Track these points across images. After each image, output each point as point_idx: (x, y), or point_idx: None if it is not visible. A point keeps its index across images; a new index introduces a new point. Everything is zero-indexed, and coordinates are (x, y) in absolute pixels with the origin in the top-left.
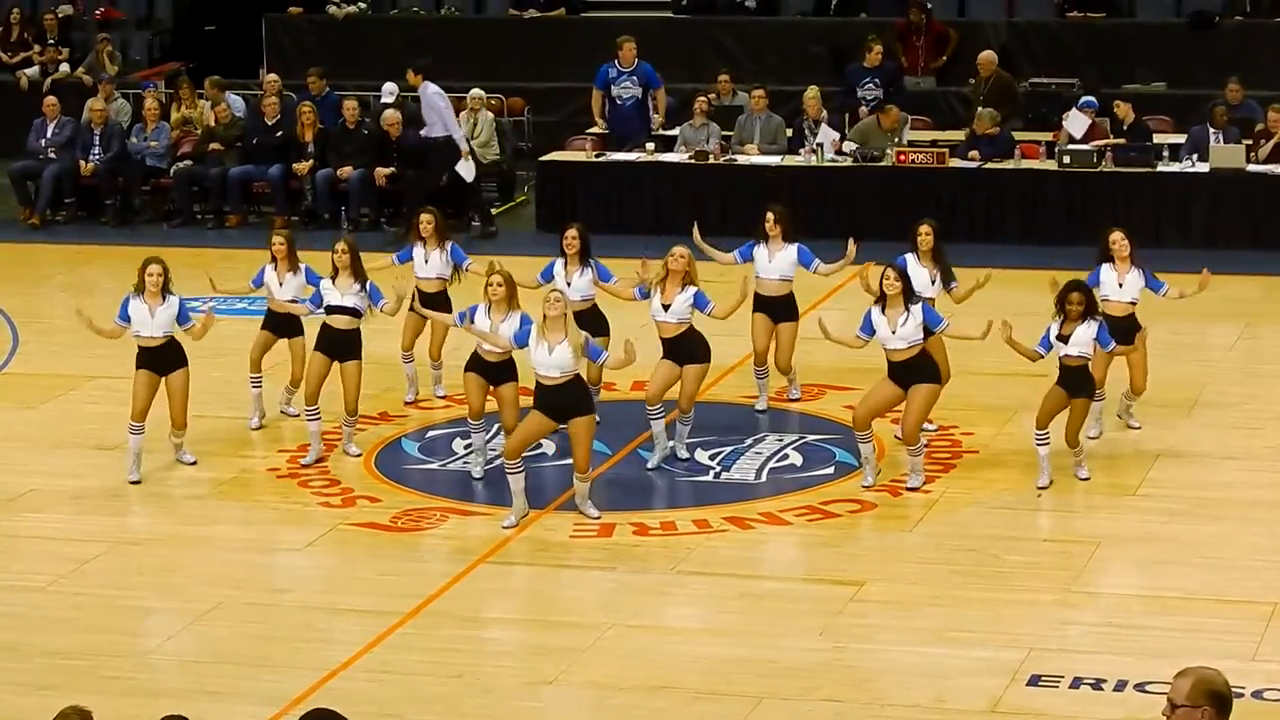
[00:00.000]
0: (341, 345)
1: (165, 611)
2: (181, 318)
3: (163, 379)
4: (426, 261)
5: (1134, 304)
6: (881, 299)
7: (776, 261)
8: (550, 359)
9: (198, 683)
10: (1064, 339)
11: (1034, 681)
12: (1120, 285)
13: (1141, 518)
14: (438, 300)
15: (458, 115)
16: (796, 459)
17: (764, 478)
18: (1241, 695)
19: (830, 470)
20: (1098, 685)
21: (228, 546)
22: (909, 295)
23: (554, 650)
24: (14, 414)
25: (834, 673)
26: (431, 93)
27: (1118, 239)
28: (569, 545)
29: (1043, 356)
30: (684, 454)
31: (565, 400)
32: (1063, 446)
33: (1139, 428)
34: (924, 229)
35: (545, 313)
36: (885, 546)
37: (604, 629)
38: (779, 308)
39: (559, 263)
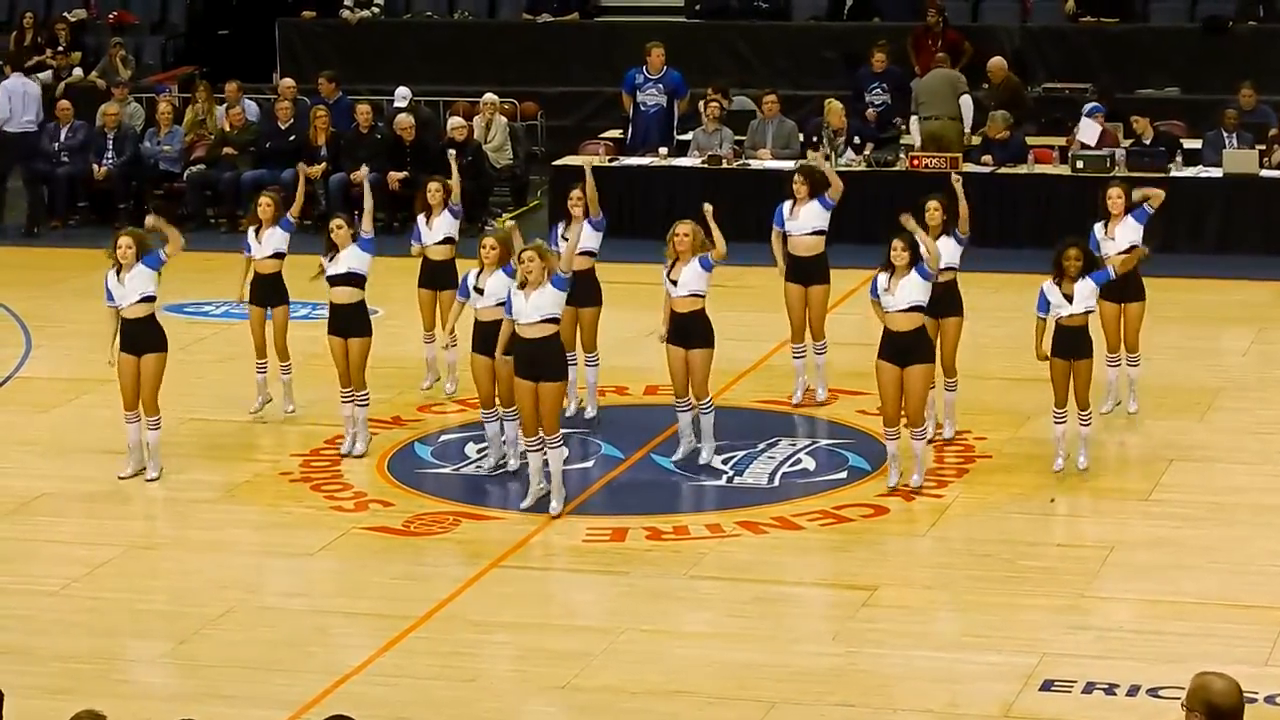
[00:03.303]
0: (347, 321)
1: (177, 615)
2: (151, 262)
3: (139, 360)
4: (431, 229)
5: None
6: (890, 269)
7: (803, 216)
8: (526, 305)
9: (210, 687)
10: (1069, 298)
11: (1047, 686)
12: (1113, 239)
13: (1155, 522)
14: (445, 270)
15: (469, 120)
16: (810, 463)
17: (777, 482)
18: (1254, 700)
19: (843, 475)
20: (1111, 690)
21: (240, 550)
22: (914, 264)
23: (566, 655)
24: (26, 418)
25: (847, 677)
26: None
27: (1113, 194)
28: (582, 549)
29: (1043, 320)
30: (705, 457)
31: (539, 355)
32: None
33: (1134, 411)
34: (932, 204)
35: (524, 277)
36: (898, 551)
37: (617, 633)
38: (812, 270)
39: (560, 227)
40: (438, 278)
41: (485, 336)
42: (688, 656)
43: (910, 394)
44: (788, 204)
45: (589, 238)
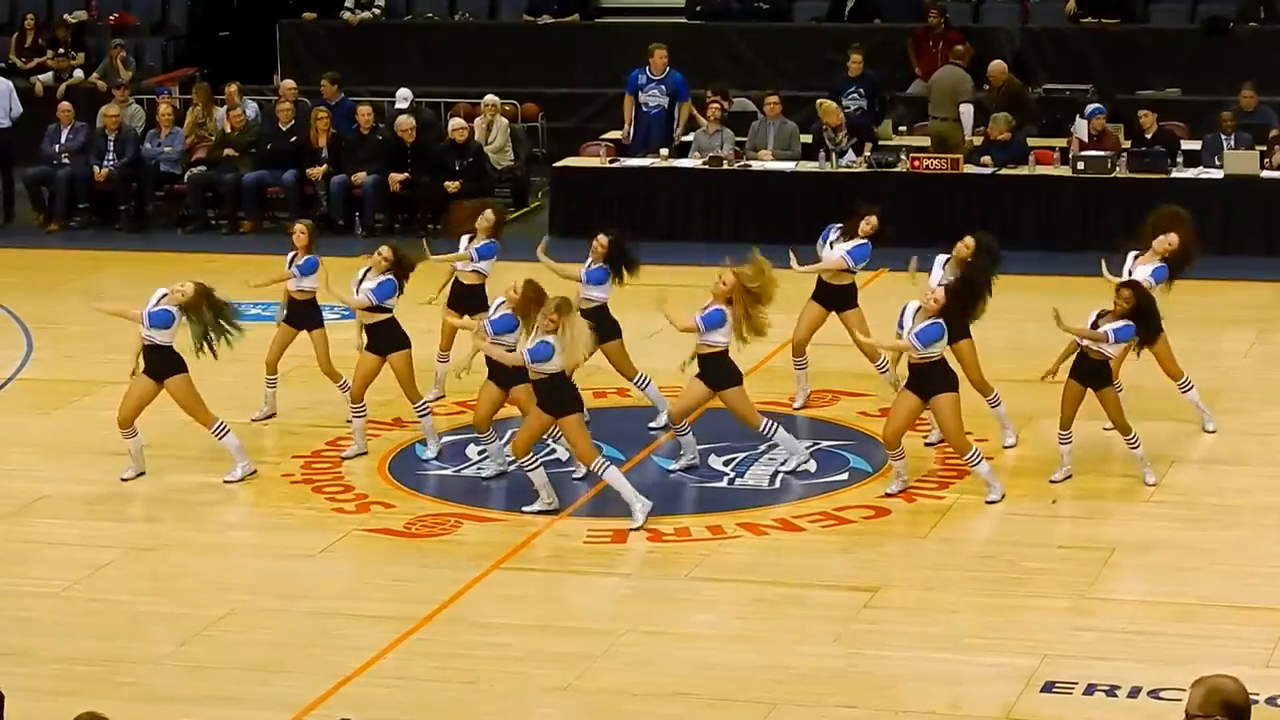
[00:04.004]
0: (378, 339)
1: (179, 617)
2: (164, 319)
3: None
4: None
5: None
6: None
7: (838, 250)
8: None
9: (211, 688)
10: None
11: (1048, 688)
12: (1131, 271)
13: (1156, 524)
14: (474, 294)
15: (470, 121)
16: (810, 465)
17: (778, 484)
18: (1256, 701)
19: (844, 476)
20: (1112, 692)
21: (241, 552)
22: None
23: (568, 656)
24: (27, 419)
25: (848, 679)
26: None
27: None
28: (583, 551)
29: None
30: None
31: (546, 396)
32: (1085, 442)
33: (1212, 429)
34: (969, 241)
35: (539, 323)
36: (900, 552)
37: (618, 635)
38: (838, 296)
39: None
40: (465, 302)
41: (497, 366)
42: (689, 658)
43: (943, 424)
44: (835, 230)
45: (594, 290)
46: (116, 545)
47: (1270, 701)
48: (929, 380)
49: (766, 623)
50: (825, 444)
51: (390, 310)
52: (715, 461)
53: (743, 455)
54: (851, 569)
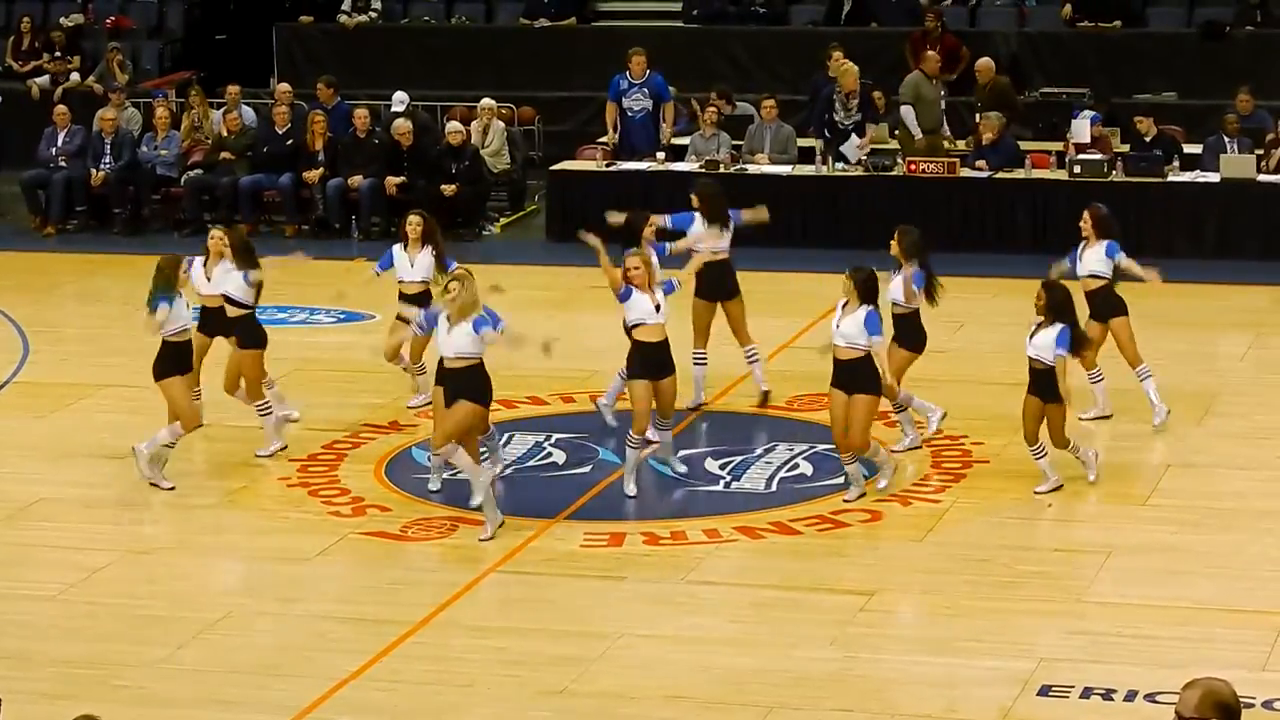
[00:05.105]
0: (237, 332)
1: (176, 620)
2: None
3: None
4: (412, 265)
5: (1100, 278)
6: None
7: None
8: (448, 338)
9: (209, 692)
10: (1032, 337)
11: (1044, 692)
12: (1081, 261)
13: (1152, 527)
14: (421, 301)
15: (467, 125)
16: (807, 469)
17: (774, 487)
18: (1252, 705)
19: (841, 480)
20: (1108, 695)
21: (238, 555)
22: (865, 297)
23: (564, 660)
24: (24, 423)
25: (844, 682)
26: None
27: (1084, 215)
28: (579, 555)
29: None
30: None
31: (457, 384)
32: (1063, 453)
33: (1160, 423)
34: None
35: (447, 310)
36: (895, 556)
37: (614, 638)
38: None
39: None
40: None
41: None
42: (685, 662)
43: (851, 422)
44: (698, 218)
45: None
46: (113, 548)
47: (1267, 705)
48: (855, 378)
49: (763, 626)
50: (821, 447)
51: (251, 306)
52: (711, 465)
53: (738, 459)
54: (847, 572)
